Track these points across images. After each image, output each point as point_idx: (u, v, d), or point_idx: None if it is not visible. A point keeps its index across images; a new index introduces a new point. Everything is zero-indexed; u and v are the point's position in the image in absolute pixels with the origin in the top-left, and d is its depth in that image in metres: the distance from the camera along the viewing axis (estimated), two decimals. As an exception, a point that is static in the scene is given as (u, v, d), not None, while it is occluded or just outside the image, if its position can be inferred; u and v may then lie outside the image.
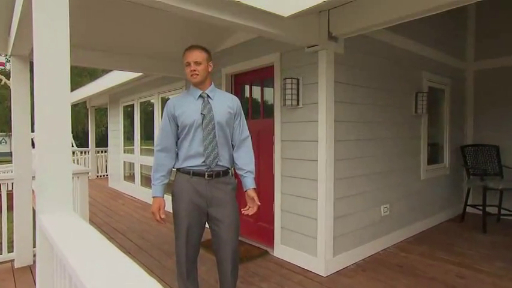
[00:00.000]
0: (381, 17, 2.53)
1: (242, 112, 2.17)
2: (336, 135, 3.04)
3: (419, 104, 4.06)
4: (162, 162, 2.07)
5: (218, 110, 2.03)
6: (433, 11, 2.33)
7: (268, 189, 3.57)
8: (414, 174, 4.14)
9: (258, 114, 3.90)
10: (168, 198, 2.15)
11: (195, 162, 2.00)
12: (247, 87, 4.07)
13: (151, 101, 6.34)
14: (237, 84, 4.09)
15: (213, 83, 2.12)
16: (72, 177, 3.16)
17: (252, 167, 2.12)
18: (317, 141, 3.01)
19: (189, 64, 2.01)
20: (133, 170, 7.10)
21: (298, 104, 3.14)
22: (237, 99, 2.17)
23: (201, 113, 1.99)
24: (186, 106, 2.03)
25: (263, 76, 3.75)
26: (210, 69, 2.07)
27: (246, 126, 2.18)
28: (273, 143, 3.46)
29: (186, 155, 2.02)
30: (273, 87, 3.46)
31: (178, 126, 2.05)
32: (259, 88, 3.90)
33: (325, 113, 2.95)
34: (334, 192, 3.04)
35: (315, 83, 3.02)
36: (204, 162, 1.99)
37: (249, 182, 2.09)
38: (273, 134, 3.46)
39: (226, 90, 4.04)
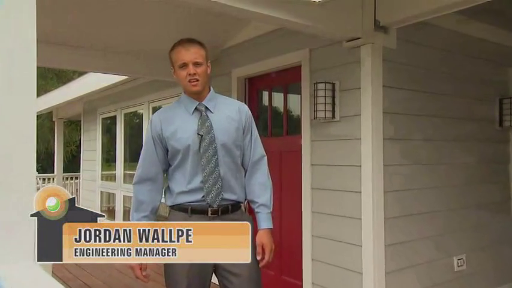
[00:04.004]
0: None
1: (254, 124, 2.19)
2: (385, 158, 3.07)
3: (505, 114, 4.01)
4: (143, 198, 2.08)
5: (221, 127, 2.05)
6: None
7: (295, 229, 3.60)
8: (502, 212, 4.07)
9: (281, 130, 3.97)
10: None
11: (194, 198, 2.02)
12: (265, 94, 4.16)
13: (139, 111, 6.54)
14: (253, 90, 4.20)
15: (212, 89, 2.16)
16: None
17: (266, 198, 2.11)
18: (360, 165, 3.05)
19: (185, 66, 2.01)
20: (114, 202, 7.26)
21: (333, 116, 3.20)
22: (245, 107, 2.20)
23: (198, 134, 2.01)
24: (177, 124, 2.06)
25: (287, 80, 3.84)
26: (209, 72, 2.11)
27: (260, 143, 2.20)
28: (301, 168, 3.53)
29: (180, 189, 2.05)
30: (300, 95, 3.54)
31: (167, 149, 2.08)
32: (281, 95, 3.99)
33: (370, 128, 2.99)
34: (384, 236, 3.05)
35: (357, 88, 3.08)
36: (203, 197, 2.01)
37: (262, 220, 2.08)
38: (301, 156, 3.53)
39: (238, 98, 4.14)
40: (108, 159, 7.79)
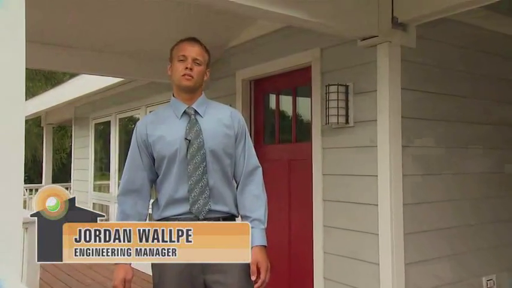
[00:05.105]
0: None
1: (247, 132, 2.21)
2: (404, 168, 3.05)
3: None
4: (128, 211, 2.10)
5: (211, 133, 2.07)
6: None
7: (305, 245, 3.59)
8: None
9: (289, 136, 3.97)
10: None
11: (180, 210, 2.04)
12: (272, 97, 4.17)
13: (136, 116, 6.56)
14: (258, 93, 4.20)
15: (203, 94, 2.19)
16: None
17: (261, 212, 2.11)
18: (376, 175, 3.03)
19: (184, 59, 2.06)
20: (108, 215, 7.26)
21: (347, 121, 3.20)
22: (238, 113, 2.23)
23: (186, 138, 2.03)
24: (163, 128, 2.08)
25: (296, 82, 3.85)
26: (206, 78, 2.16)
27: (254, 153, 2.21)
28: (311, 178, 3.51)
29: (168, 200, 2.06)
30: (311, 98, 3.55)
31: (154, 158, 2.10)
32: (289, 99, 4.00)
33: (388, 134, 2.98)
34: (404, 254, 3.02)
35: (373, 90, 3.08)
36: (190, 210, 2.03)
37: (256, 236, 2.04)
38: (311, 165, 3.52)
39: (243, 101, 4.17)
40: (102, 168, 7.80)
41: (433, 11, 2.80)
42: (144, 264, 2.16)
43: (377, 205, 3.03)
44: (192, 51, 2.07)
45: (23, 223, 3.63)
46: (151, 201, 2.21)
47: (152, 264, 2.09)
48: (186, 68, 2.05)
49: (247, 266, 2.02)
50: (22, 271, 3.63)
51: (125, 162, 2.19)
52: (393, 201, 2.98)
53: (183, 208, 2.04)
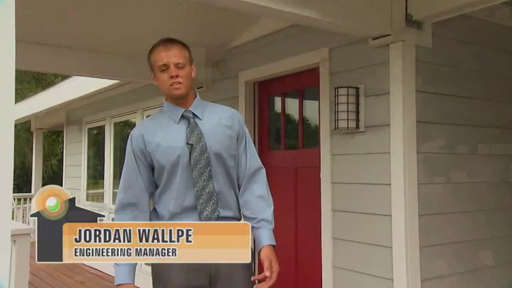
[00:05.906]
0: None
1: (247, 132, 2.23)
2: (419, 176, 3.04)
3: None
4: None
5: (212, 135, 2.08)
6: None
7: (313, 259, 3.57)
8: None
9: (295, 142, 3.96)
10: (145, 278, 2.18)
11: (189, 220, 2.03)
12: (277, 100, 4.17)
13: (132, 120, 6.56)
14: (263, 96, 4.21)
15: (197, 95, 2.20)
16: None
17: (268, 213, 2.13)
18: (389, 184, 3.02)
19: (166, 68, 2.06)
20: (101, 227, 7.24)
21: (357, 126, 3.19)
22: (237, 113, 2.24)
23: (187, 143, 2.05)
24: (162, 135, 2.09)
25: (303, 84, 3.85)
26: (194, 75, 2.15)
27: (256, 153, 2.24)
28: (320, 186, 3.50)
29: (171, 211, 2.07)
30: (319, 101, 3.54)
31: (153, 168, 2.10)
32: (296, 102, 4.00)
33: (401, 140, 2.97)
34: (420, 269, 3.00)
35: (385, 93, 3.07)
36: (199, 219, 2.03)
37: (265, 236, 2.08)
38: (319, 173, 3.50)
39: (246, 104, 4.17)
40: (95, 176, 7.80)
41: (450, 7, 2.79)
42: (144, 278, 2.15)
43: (390, 216, 3.01)
44: (171, 56, 2.06)
45: (11, 235, 3.64)
46: None
47: (153, 281, 2.10)
48: (172, 77, 2.04)
49: (251, 275, 2.05)
50: (10, 285, 3.62)
51: (121, 173, 2.18)
52: (408, 212, 2.96)
53: (191, 217, 2.04)
